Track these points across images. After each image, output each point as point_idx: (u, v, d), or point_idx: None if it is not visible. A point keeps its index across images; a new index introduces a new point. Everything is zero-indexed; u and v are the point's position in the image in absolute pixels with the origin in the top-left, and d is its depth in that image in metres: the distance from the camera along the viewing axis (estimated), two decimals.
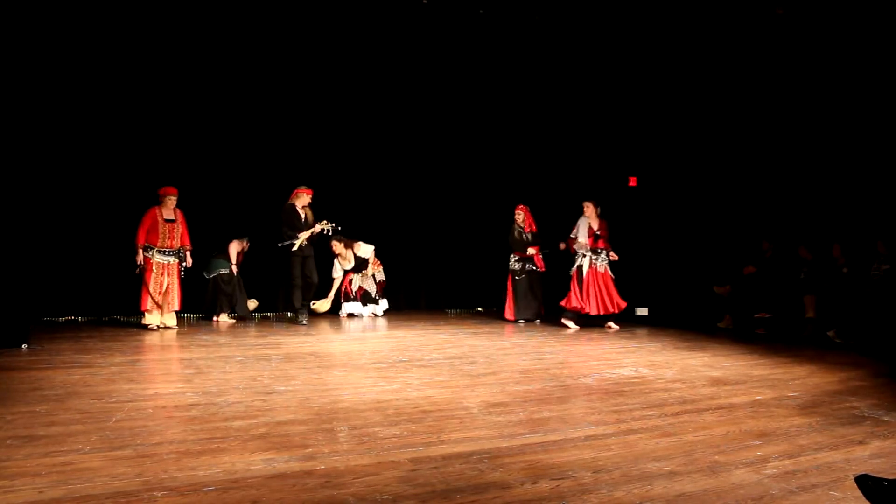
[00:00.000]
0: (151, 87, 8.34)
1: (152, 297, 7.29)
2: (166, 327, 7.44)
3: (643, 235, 9.87)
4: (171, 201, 7.42)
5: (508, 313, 8.84)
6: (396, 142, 9.90)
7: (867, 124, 8.08)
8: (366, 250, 9.03)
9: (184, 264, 7.53)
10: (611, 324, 8.27)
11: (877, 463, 3.15)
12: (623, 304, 8.30)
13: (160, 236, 7.31)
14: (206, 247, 8.30)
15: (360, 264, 8.97)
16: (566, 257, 8.58)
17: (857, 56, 7.91)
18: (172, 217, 7.44)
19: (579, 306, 8.16)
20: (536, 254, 8.76)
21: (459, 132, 10.19)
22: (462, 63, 9.61)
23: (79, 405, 3.92)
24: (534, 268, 8.75)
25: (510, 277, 8.82)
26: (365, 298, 8.97)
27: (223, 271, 8.31)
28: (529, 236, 8.72)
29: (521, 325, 8.60)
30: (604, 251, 8.21)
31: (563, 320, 8.26)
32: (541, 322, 8.77)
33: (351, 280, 9.04)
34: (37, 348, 5.87)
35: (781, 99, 8.88)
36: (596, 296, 8.14)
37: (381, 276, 9.09)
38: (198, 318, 8.56)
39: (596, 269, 8.16)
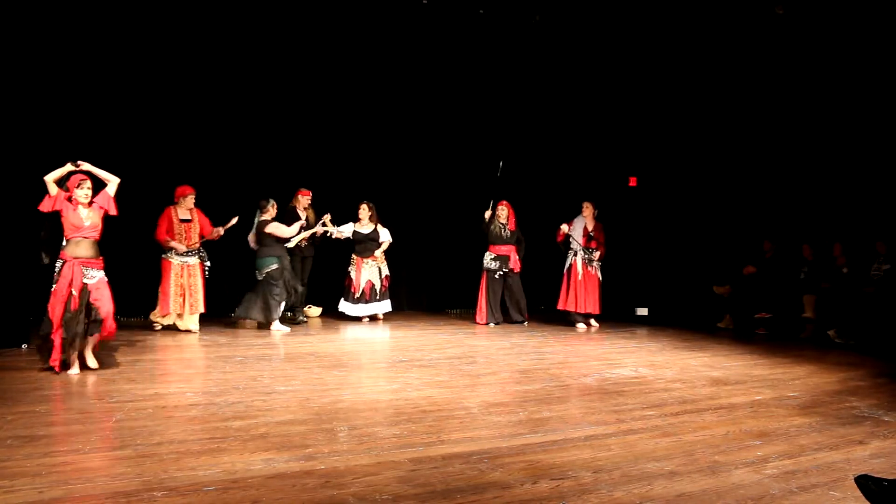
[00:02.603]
0: (147, 88, 8.30)
1: (173, 300, 6.94)
2: (188, 331, 7.10)
3: (643, 235, 9.87)
4: (188, 201, 7.15)
5: (479, 316, 8.43)
6: (398, 142, 9.88)
7: (867, 124, 8.08)
8: (385, 234, 8.60)
9: (207, 264, 7.19)
10: (591, 321, 8.34)
11: (877, 463, 3.15)
12: (598, 310, 8.27)
13: (176, 237, 7.04)
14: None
15: (371, 243, 8.47)
16: (557, 257, 8.61)
17: (858, 56, 7.91)
18: (188, 217, 7.16)
19: (563, 306, 8.30)
20: (515, 254, 8.42)
21: (461, 132, 10.18)
22: (462, 63, 9.60)
23: (79, 405, 3.92)
24: (508, 269, 8.38)
25: (484, 276, 8.45)
26: (372, 296, 8.52)
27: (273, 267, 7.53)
28: (509, 234, 8.42)
29: (492, 326, 8.28)
30: (595, 251, 8.27)
31: (575, 322, 8.29)
32: (527, 324, 8.45)
33: (361, 271, 8.49)
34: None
35: (781, 99, 8.88)
36: (578, 294, 8.19)
37: (386, 271, 8.68)
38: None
39: (586, 268, 8.23)
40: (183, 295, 7.06)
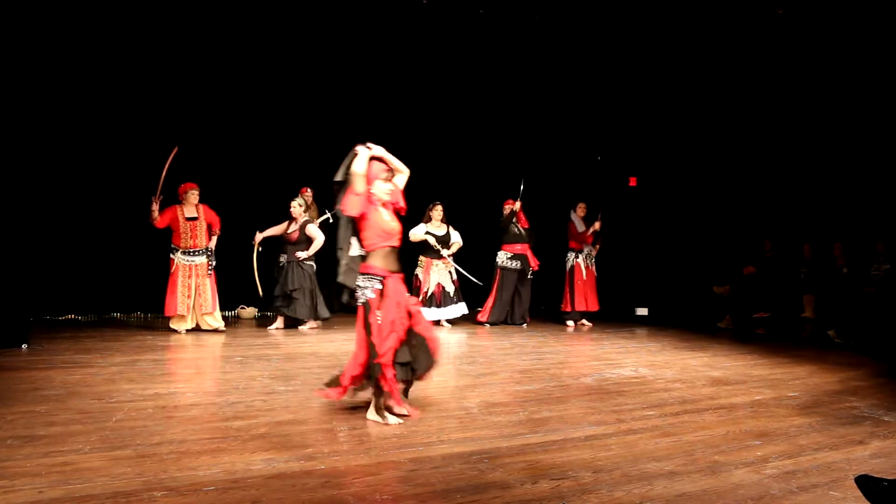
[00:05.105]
0: (147, 85, 8.32)
1: (180, 302, 6.85)
2: (215, 330, 7.05)
3: (643, 235, 9.87)
4: (193, 197, 6.94)
5: (483, 314, 8.29)
6: (396, 142, 9.86)
7: (867, 124, 8.08)
8: (456, 235, 8.17)
9: (212, 263, 7.03)
10: (584, 321, 8.45)
11: (877, 463, 3.15)
12: (596, 307, 8.44)
13: (182, 236, 6.88)
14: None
15: (441, 245, 8.02)
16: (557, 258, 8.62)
17: (857, 56, 7.91)
18: (194, 214, 6.97)
19: (571, 308, 8.41)
20: (530, 251, 8.33)
21: (460, 132, 10.18)
22: (462, 63, 9.59)
23: (79, 405, 3.91)
24: (527, 266, 8.24)
25: (498, 274, 8.29)
26: (444, 299, 8.07)
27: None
28: (524, 232, 8.36)
29: (488, 327, 8.15)
30: (589, 249, 8.51)
31: (566, 321, 8.39)
32: (525, 326, 8.33)
33: (430, 274, 8.06)
34: (37, 348, 5.86)
35: (782, 99, 8.88)
36: (583, 294, 8.32)
37: (454, 274, 8.23)
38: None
39: (587, 267, 8.42)
40: (191, 295, 6.96)
